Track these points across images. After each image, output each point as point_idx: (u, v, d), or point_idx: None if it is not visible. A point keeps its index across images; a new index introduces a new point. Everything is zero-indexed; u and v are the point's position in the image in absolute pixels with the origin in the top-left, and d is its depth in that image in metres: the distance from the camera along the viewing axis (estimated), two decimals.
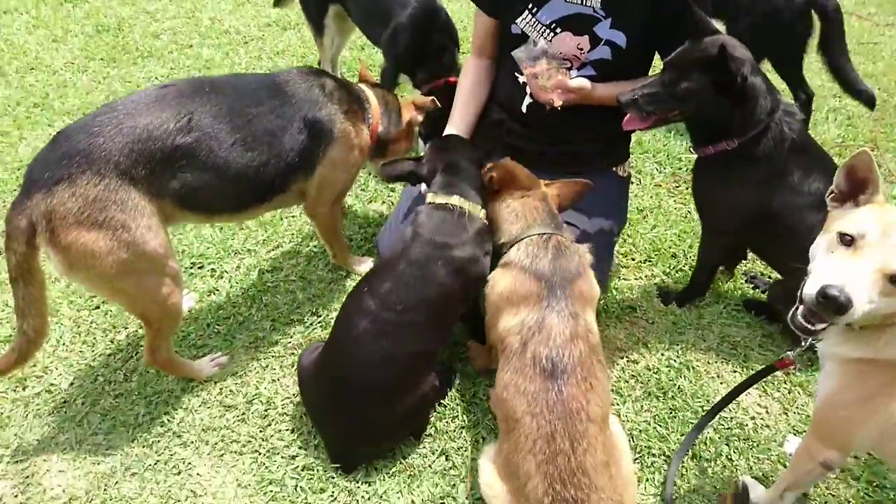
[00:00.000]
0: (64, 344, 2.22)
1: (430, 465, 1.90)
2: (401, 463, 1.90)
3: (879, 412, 1.31)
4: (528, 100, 2.14)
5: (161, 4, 4.16)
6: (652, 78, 1.90)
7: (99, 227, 1.61)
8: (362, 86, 2.22)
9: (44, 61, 3.52)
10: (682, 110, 1.87)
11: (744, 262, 2.51)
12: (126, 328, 2.27)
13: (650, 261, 2.58)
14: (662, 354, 2.21)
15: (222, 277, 2.47)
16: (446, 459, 1.92)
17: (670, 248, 2.61)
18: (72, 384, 2.10)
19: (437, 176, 1.86)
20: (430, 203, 1.82)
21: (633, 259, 2.58)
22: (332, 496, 1.83)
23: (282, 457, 1.92)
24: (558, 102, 1.97)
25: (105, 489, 1.85)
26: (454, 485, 1.85)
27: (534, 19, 2.01)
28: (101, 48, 3.66)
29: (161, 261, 1.75)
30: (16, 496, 1.84)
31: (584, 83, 1.99)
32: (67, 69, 3.49)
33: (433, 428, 1.99)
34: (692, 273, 2.36)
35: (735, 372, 2.15)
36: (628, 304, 2.39)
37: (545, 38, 2.02)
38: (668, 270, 2.53)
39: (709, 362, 2.19)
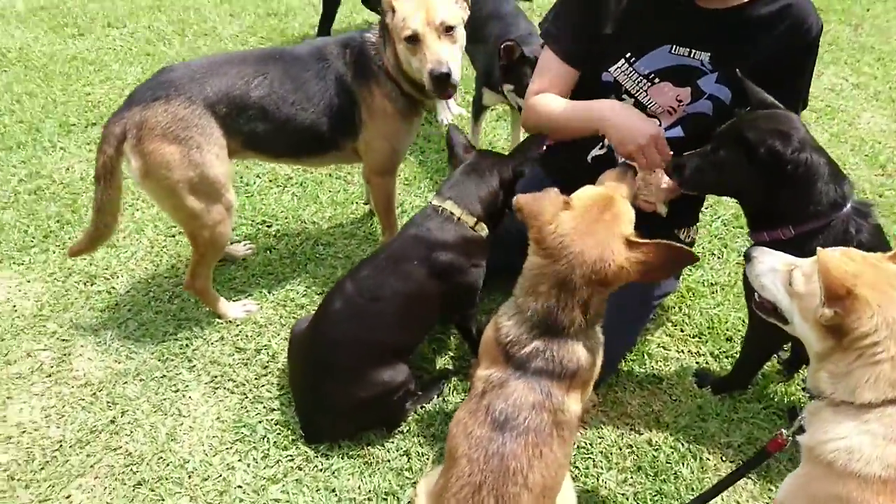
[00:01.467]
0: (136, 259, 2.54)
1: (389, 460, 1.90)
2: (363, 449, 1.92)
3: None
4: (596, 151, 2.06)
5: None
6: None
7: (178, 142, 1.88)
8: (370, 36, 2.10)
9: (216, 30, 4.09)
10: (721, 181, 1.73)
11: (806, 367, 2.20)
12: (186, 260, 2.54)
13: (700, 337, 2.36)
14: (671, 435, 2.00)
15: (282, 240, 2.67)
16: (407, 460, 1.91)
17: (728, 330, 2.37)
18: (128, 292, 2.40)
19: (450, 177, 1.87)
20: (431, 203, 1.84)
21: (683, 330, 2.38)
22: (290, 456, 1.90)
23: (264, 406, 2.03)
24: (664, 210, 1.86)
25: (114, 385, 2.08)
26: (402, 486, 1.83)
27: (630, 68, 1.91)
28: (264, 29, 4.17)
29: (220, 189, 2.00)
30: (51, 366, 2.14)
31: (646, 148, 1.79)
32: (231, 40, 4.02)
33: (407, 427, 1.98)
34: (736, 361, 2.13)
35: (748, 478, 1.89)
36: (656, 373, 2.20)
37: (641, 87, 1.94)
38: (717, 353, 2.30)
39: (722, 459, 1.95)
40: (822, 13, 5.66)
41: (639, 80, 1.91)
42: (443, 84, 1.93)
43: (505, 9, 2.86)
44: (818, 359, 1.33)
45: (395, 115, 2.12)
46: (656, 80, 1.90)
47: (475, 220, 1.80)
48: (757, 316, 2.01)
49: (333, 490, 1.82)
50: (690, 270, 2.62)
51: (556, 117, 1.90)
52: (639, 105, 1.97)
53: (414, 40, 1.93)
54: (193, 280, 2.17)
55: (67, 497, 1.78)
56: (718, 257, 2.73)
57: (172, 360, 2.16)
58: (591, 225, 1.39)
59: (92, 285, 2.42)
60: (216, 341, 2.23)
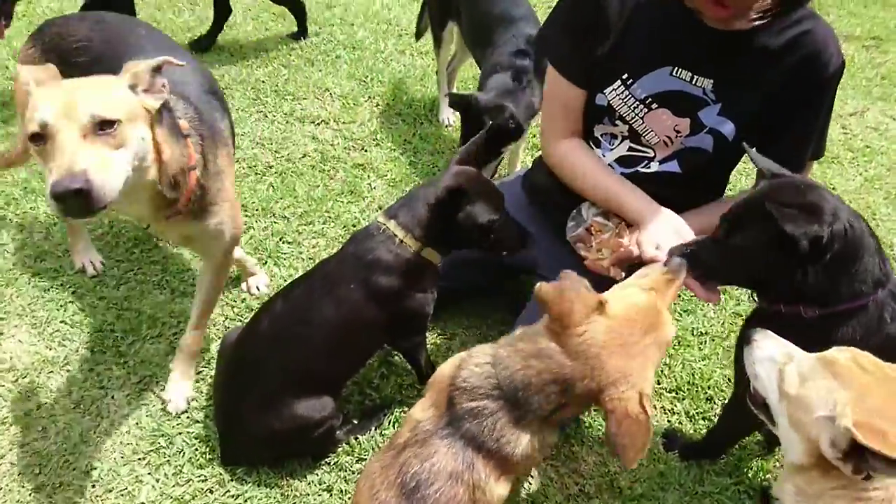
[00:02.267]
0: (92, 238, 2.41)
1: (308, 494, 1.74)
2: (282, 479, 1.77)
3: None
4: None
5: None
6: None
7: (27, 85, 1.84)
8: None
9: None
10: (741, 273, 1.46)
11: None
12: (143, 244, 2.41)
13: (678, 393, 2.14)
14: (624, 502, 1.81)
15: (247, 233, 2.51)
16: (329, 496, 1.75)
17: (710, 388, 2.14)
18: (76, 272, 2.28)
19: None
20: (375, 220, 1.66)
21: (659, 383, 2.16)
22: (203, 476, 1.76)
23: (188, 417, 1.89)
24: (620, 276, 1.63)
25: (39, 373, 1.96)
26: None
27: (626, 91, 1.69)
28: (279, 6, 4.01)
29: None
30: None
31: (655, 254, 1.57)
32: (243, 14, 3.89)
33: (336, 458, 1.83)
34: (710, 429, 1.91)
35: None
36: None
37: (637, 113, 1.73)
38: (693, 412, 2.08)
39: None
40: (881, 42, 5.21)
41: (635, 105, 1.70)
42: (73, 208, 1.21)
43: (516, 12, 2.64)
44: (792, 469, 1.19)
45: None
46: (654, 105, 1.68)
47: (419, 244, 1.61)
48: (742, 383, 1.78)
49: None
50: (680, 316, 2.39)
51: (580, 188, 1.81)
52: (633, 133, 1.76)
53: (39, 140, 1.27)
54: None
55: None
56: (714, 306, 2.49)
57: (104, 354, 2.04)
58: (626, 347, 1.21)
59: (42, 262, 2.31)
60: (153, 338, 2.09)
